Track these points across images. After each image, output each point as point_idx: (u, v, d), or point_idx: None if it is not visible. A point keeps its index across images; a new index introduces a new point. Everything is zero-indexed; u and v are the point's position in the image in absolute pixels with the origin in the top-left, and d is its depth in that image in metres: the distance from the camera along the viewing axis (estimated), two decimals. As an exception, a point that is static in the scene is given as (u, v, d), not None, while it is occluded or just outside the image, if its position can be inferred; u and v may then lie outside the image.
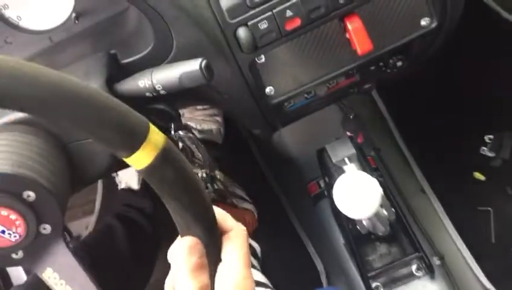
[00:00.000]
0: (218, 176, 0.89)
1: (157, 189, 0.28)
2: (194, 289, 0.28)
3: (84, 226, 1.10)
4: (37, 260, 0.39)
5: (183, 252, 0.29)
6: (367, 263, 0.82)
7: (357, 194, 0.65)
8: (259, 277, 0.68)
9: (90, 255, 0.77)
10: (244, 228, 0.34)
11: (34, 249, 0.39)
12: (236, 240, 0.32)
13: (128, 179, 0.93)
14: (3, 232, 0.37)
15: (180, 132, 0.61)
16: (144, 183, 0.90)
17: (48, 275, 0.39)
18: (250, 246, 0.75)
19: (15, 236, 0.38)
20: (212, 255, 0.32)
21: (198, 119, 0.95)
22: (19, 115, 0.45)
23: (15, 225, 0.37)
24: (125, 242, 0.83)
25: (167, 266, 0.31)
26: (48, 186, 0.38)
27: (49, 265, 0.39)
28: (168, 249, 0.31)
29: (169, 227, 0.34)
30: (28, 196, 0.37)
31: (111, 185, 0.99)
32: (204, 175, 0.84)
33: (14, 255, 0.39)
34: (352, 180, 0.66)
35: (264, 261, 0.80)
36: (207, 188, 0.84)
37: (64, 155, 0.46)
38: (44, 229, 0.38)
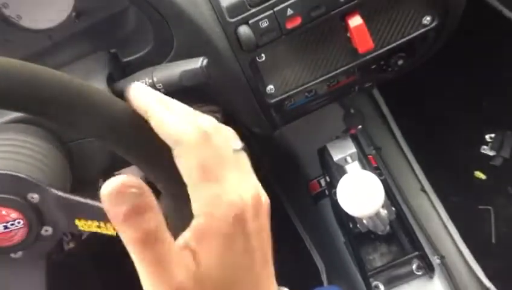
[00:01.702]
0: None
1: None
2: (132, 241, 0.22)
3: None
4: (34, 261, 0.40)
5: (106, 204, 0.22)
6: (367, 262, 0.82)
7: (360, 192, 0.65)
8: None
9: (92, 252, 0.78)
10: (188, 133, 0.25)
11: (33, 251, 0.39)
12: (181, 157, 0.24)
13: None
14: (6, 227, 0.37)
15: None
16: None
17: None
18: None
19: (17, 236, 0.38)
20: (173, 182, 0.26)
21: None
22: (18, 114, 0.45)
23: (17, 225, 0.37)
24: None
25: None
26: (50, 187, 0.38)
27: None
28: None
29: (171, 224, 0.33)
30: (32, 198, 0.37)
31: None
32: None
33: (12, 255, 0.39)
34: (356, 178, 0.66)
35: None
36: None
37: (64, 154, 0.46)
38: (47, 231, 0.39)
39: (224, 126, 0.28)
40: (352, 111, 0.86)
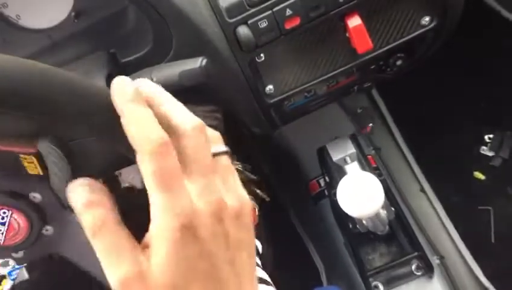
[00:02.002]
0: None
1: None
2: (86, 230, 0.26)
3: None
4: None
5: (70, 196, 0.27)
6: (367, 262, 0.82)
7: (360, 193, 0.65)
8: (261, 273, 0.69)
9: None
10: (152, 138, 0.25)
11: (55, 216, 0.39)
12: (140, 163, 0.25)
13: (131, 179, 0.92)
14: (3, 224, 0.37)
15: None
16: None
17: None
18: None
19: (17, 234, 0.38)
20: None
21: (198, 116, 0.95)
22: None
23: (7, 214, 0.37)
24: None
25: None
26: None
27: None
28: None
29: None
30: (34, 197, 0.37)
31: (113, 184, 0.98)
32: None
33: (44, 232, 0.39)
34: (355, 179, 0.66)
35: (264, 259, 0.80)
36: None
37: (63, 153, 0.46)
38: (35, 197, 0.38)
39: (209, 129, 0.29)
40: (359, 111, 0.86)
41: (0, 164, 0.36)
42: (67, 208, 0.38)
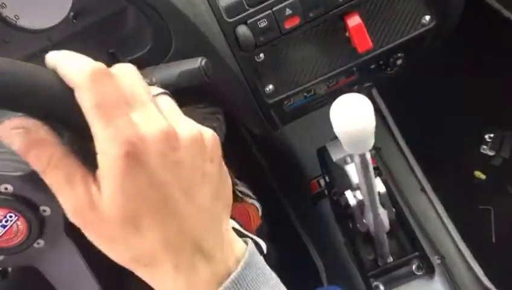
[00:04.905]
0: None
1: None
2: (35, 164, 0.26)
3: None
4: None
5: (6, 142, 0.26)
6: (367, 262, 0.82)
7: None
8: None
9: (93, 253, 0.78)
10: (83, 74, 0.25)
11: (50, 234, 0.39)
12: (80, 101, 0.25)
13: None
14: (4, 226, 0.37)
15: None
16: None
17: None
18: (256, 243, 0.75)
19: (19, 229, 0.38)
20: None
21: (199, 118, 0.95)
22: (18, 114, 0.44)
23: (13, 219, 0.37)
24: None
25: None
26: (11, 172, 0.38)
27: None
28: None
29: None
30: (6, 189, 0.37)
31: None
32: None
33: (36, 245, 0.39)
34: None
35: (265, 259, 0.80)
36: None
37: None
38: (45, 211, 0.38)
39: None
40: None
41: None
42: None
